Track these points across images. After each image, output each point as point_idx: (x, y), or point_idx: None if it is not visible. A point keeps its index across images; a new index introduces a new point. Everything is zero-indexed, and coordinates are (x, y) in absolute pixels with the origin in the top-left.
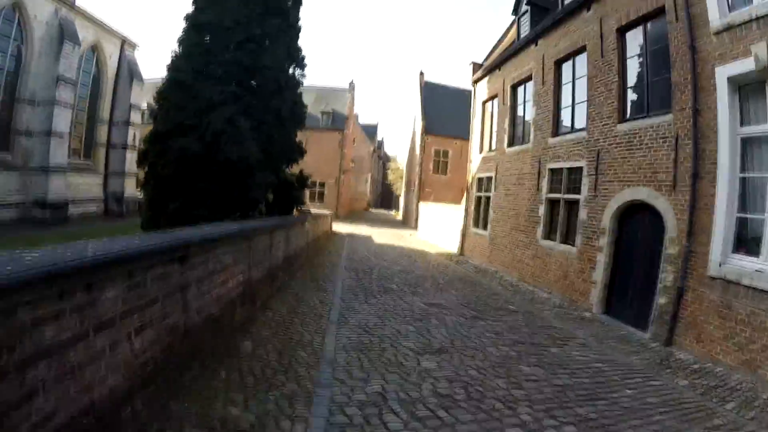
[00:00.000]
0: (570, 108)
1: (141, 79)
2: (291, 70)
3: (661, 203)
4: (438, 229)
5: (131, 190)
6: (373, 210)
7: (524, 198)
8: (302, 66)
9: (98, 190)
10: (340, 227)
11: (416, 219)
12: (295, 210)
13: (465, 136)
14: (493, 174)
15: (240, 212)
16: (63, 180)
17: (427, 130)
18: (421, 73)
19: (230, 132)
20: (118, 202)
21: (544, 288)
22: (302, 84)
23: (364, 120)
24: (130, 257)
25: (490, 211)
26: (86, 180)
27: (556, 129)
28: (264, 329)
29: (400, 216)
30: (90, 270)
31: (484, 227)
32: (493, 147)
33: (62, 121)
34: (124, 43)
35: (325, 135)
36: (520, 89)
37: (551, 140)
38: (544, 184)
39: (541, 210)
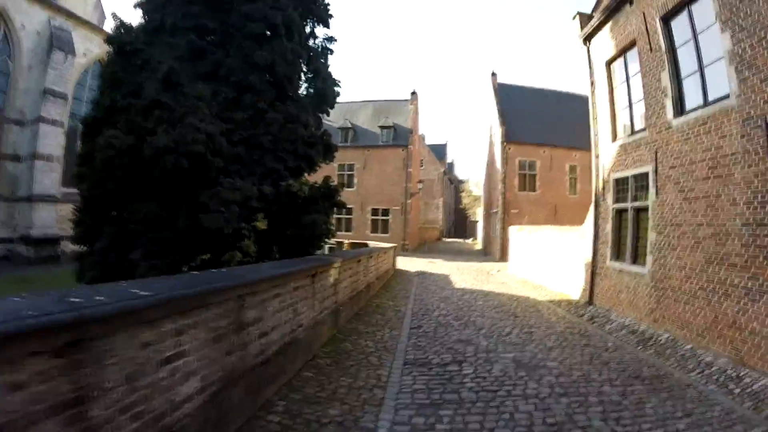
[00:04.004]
0: None
1: None
2: (308, 27)
3: None
4: (539, 263)
5: None
6: (447, 239)
7: (734, 201)
8: (325, 19)
9: None
10: (407, 263)
11: (502, 248)
12: (321, 247)
13: (554, 142)
14: (649, 168)
15: (211, 253)
16: (52, 212)
17: (508, 138)
18: (493, 74)
19: (168, 104)
20: None
21: None
22: (331, 51)
23: (431, 140)
24: None
25: (650, 233)
26: None
27: None
28: None
29: (479, 245)
30: None
31: (635, 260)
32: (639, 125)
33: (50, 141)
34: None
35: (386, 153)
36: (681, 17)
37: None
38: None
39: None
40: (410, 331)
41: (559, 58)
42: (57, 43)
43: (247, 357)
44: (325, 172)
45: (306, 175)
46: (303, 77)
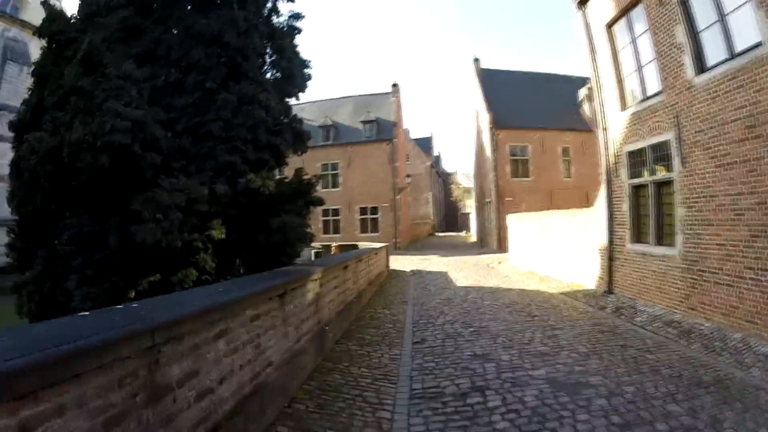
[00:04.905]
0: None
1: None
2: (270, 2)
3: None
4: (543, 252)
5: None
6: (439, 234)
7: None
8: None
9: None
10: (401, 262)
11: (499, 239)
12: (299, 254)
13: (544, 125)
14: (670, 135)
15: (162, 273)
16: (3, 237)
17: (496, 124)
18: (476, 60)
19: (86, 89)
20: None
21: None
22: (298, 30)
23: (415, 134)
24: None
25: (678, 209)
26: None
27: None
28: None
29: (473, 237)
30: None
31: (660, 241)
32: (653, 88)
33: (3, 161)
34: None
35: (371, 149)
36: None
37: None
38: None
39: None
40: (413, 347)
41: (545, 40)
42: (11, 55)
43: None
44: (308, 172)
45: (276, 171)
46: (267, 59)
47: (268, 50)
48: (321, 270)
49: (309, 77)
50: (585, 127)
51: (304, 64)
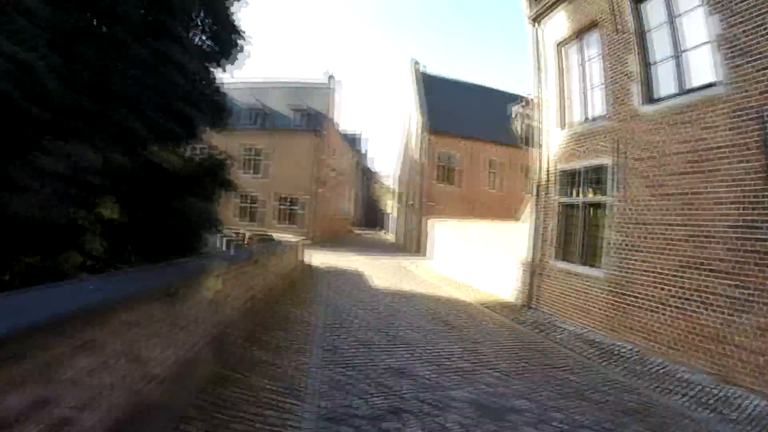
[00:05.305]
0: None
1: None
2: None
3: None
4: (463, 259)
5: None
6: (358, 231)
7: (718, 200)
8: None
9: None
10: (317, 257)
11: (418, 242)
12: (204, 243)
13: (475, 135)
14: (608, 160)
15: (42, 254)
16: None
17: (428, 128)
18: (416, 63)
19: None
20: None
21: None
22: None
23: (345, 130)
24: None
25: (609, 232)
26: None
27: None
28: None
29: (392, 237)
30: None
31: (586, 261)
32: (597, 112)
33: None
34: None
35: (298, 138)
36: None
37: None
38: None
39: None
40: (323, 355)
41: (481, 51)
42: None
43: None
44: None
45: (187, 146)
46: (199, 22)
47: (201, 13)
48: (225, 264)
49: (241, 48)
50: (515, 143)
51: (239, 33)
